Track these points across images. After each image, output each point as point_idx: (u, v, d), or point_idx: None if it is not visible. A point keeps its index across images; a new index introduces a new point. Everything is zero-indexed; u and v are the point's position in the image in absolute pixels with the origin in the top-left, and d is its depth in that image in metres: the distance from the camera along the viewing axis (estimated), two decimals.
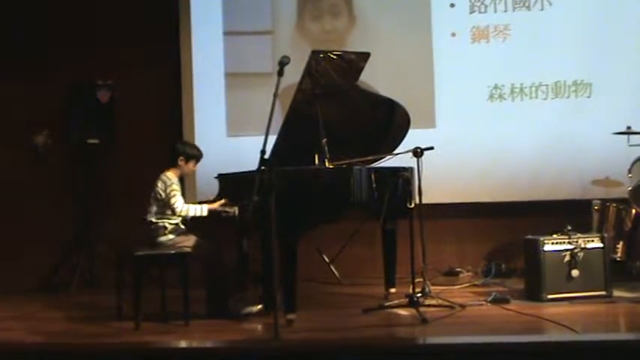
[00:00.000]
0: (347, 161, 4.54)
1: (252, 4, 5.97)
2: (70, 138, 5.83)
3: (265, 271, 4.72)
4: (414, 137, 4.84)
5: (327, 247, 5.79)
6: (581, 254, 4.69)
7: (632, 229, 4.98)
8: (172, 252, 4.50)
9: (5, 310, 5.03)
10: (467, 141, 5.72)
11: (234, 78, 5.95)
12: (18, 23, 6.04)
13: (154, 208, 4.59)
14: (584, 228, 4.95)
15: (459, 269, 5.62)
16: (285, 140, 4.55)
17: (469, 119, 5.77)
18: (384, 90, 5.14)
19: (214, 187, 4.92)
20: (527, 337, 3.99)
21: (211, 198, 4.81)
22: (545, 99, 5.77)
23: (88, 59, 5.92)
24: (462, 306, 4.56)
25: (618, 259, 5.00)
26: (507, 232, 5.59)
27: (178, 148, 4.70)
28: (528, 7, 5.78)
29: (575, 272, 4.67)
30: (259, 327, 4.35)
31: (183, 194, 4.68)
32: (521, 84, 5.78)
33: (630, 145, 5.15)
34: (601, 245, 4.74)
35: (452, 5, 5.83)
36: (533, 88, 5.77)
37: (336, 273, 5.77)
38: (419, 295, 4.52)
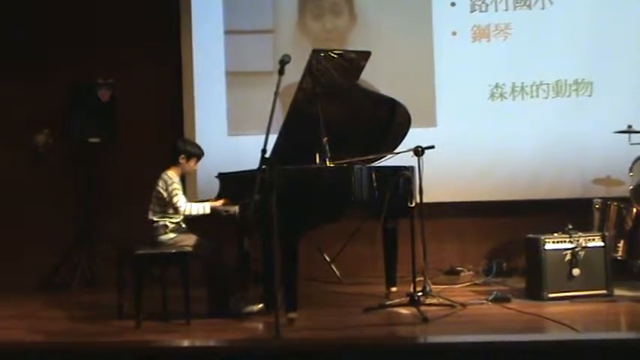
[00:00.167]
0: (348, 160, 4.54)
1: (253, 2, 5.97)
2: (71, 137, 5.83)
3: (266, 270, 4.72)
4: (414, 136, 4.83)
5: (328, 246, 5.79)
6: (582, 253, 4.69)
7: (633, 228, 4.98)
8: (173, 251, 4.50)
9: (6, 309, 5.03)
10: (468, 140, 5.72)
11: (234, 77, 5.95)
12: (18, 22, 6.04)
13: (155, 207, 4.59)
14: (585, 227, 4.95)
15: (459, 268, 5.61)
16: (285, 139, 4.54)
17: (470, 118, 5.77)
18: (385, 89, 5.14)
19: (215, 186, 4.91)
20: (528, 336, 3.99)
21: (212, 198, 4.81)
22: (546, 98, 5.77)
23: (88, 58, 5.92)
24: (463, 305, 4.56)
25: (619, 258, 4.99)
26: (508, 231, 5.59)
27: (179, 146, 4.70)
28: (529, 6, 5.78)
29: (576, 271, 4.66)
30: (260, 326, 4.35)
31: (184, 193, 4.67)
32: (522, 83, 5.77)
33: (631, 144, 5.15)
34: (602, 244, 4.74)
35: (453, 4, 5.83)
36: (534, 87, 5.77)
37: (336, 272, 5.77)
38: (420, 294, 4.51)
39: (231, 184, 4.78)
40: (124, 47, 5.94)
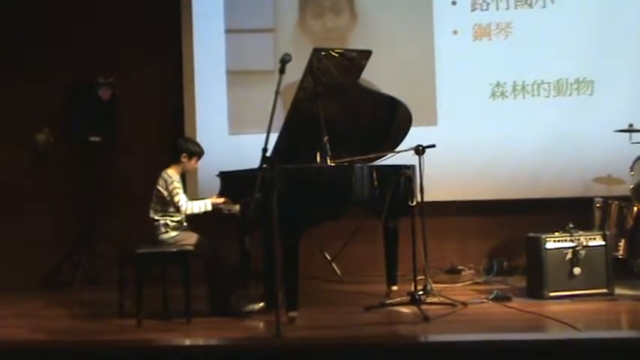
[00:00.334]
0: (349, 159, 4.54)
1: (253, 1, 5.96)
2: (72, 136, 5.83)
3: (267, 268, 4.73)
4: (415, 135, 4.83)
5: (329, 245, 5.79)
6: (583, 252, 4.68)
7: (634, 227, 4.97)
8: (174, 250, 4.50)
9: (7, 307, 5.03)
10: (469, 139, 5.71)
11: (235, 76, 5.95)
12: (18, 21, 6.03)
13: (156, 206, 4.58)
14: (586, 226, 4.95)
15: (460, 267, 5.61)
16: (286, 138, 4.54)
17: (471, 117, 5.76)
18: (386, 88, 5.13)
19: (216, 185, 4.91)
20: (529, 334, 3.98)
21: (214, 194, 4.80)
22: (547, 97, 5.76)
23: (89, 57, 5.92)
24: (464, 304, 4.56)
25: (620, 256, 4.99)
26: (509, 229, 5.58)
27: (181, 145, 4.70)
28: (530, 5, 5.77)
29: (577, 270, 4.66)
30: (261, 325, 4.34)
31: (185, 192, 4.67)
32: (523, 82, 5.77)
33: (632, 143, 5.15)
34: (603, 243, 4.73)
35: (453, 3, 5.83)
36: (535, 86, 5.77)
37: (337, 271, 5.77)
38: (421, 292, 4.51)
39: (232, 183, 4.77)
40: (125, 46, 5.94)
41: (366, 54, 4.67)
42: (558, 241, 4.70)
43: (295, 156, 4.47)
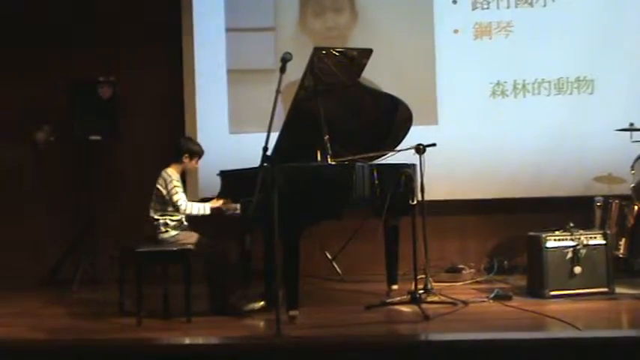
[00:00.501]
0: (349, 158, 4.53)
1: (254, 0, 5.95)
2: (72, 135, 5.82)
3: (267, 267, 4.72)
4: (416, 134, 4.83)
5: (330, 244, 5.78)
6: (583, 251, 4.68)
7: (635, 226, 4.97)
8: (174, 249, 4.49)
9: (7, 306, 5.02)
10: (469, 137, 5.70)
11: (236, 75, 5.94)
12: (19, 19, 6.03)
13: (156, 205, 4.58)
14: (587, 225, 4.95)
15: (461, 266, 5.61)
16: (287, 137, 4.53)
17: (471, 116, 5.76)
18: (387, 87, 5.13)
19: (216, 184, 4.90)
20: (530, 334, 3.97)
21: (213, 197, 4.80)
22: (547, 95, 5.76)
23: (89, 56, 5.91)
24: (465, 303, 4.55)
25: (621, 255, 4.99)
26: (510, 228, 5.58)
27: (183, 145, 4.69)
28: (531, 4, 5.77)
29: (577, 269, 4.65)
30: (261, 324, 4.34)
31: (185, 191, 4.66)
32: (524, 80, 5.76)
33: (633, 142, 5.15)
34: (603, 242, 4.72)
35: (454, 2, 5.82)
36: (536, 85, 5.76)
37: (338, 269, 5.76)
38: (421, 291, 4.51)
39: (233, 182, 4.77)
40: (125, 45, 5.93)
41: (367, 53, 4.66)
42: (559, 240, 4.69)
43: (296, 155, 4.47)
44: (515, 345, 3.59)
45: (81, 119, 5.77)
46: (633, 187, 5.03)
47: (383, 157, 4.84)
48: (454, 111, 5.77)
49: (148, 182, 4.63)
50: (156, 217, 4.57)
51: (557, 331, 4.03)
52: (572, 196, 5.54)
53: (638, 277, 4.95)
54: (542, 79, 5.75)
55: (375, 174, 4.46)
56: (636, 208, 4.97)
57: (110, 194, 5.95)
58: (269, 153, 3.97)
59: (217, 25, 5.94)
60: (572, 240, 4.69)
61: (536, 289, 4.73)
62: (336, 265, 5.78)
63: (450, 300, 4.56)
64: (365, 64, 4.69)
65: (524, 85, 5.78)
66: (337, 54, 4.58)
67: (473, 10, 5.82)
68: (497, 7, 5.80)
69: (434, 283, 4.77)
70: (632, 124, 5.14)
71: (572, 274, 4.66)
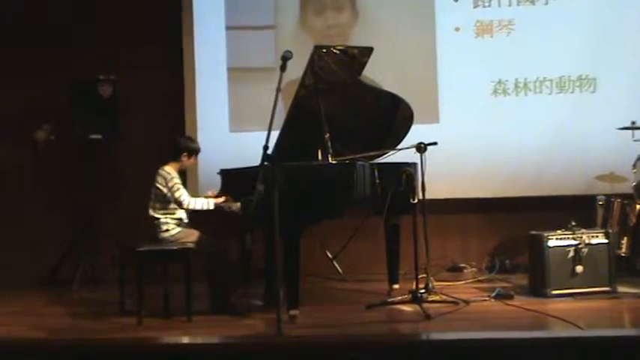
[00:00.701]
0: (350, 157, 4.52)
1: None
2: (72, 134, 5.80)
3: (268, 266, 4.71)
4: (417, 132, 4.82)
5: (330, 243, 5.77)
6: (585, 250, 4.66)
7: (637, 225, 4.96)
8: (175, 248, 4.48)
9: (7, 305, 5.01)
10: (470, 136, 5.69)
11: (236, 73, 5.93)
12: (19, 19, 6.01)
13: (156, 204, 4.57)
14: (589, 223, 4.94)
15: (462, 265, 5.61)
16: (287, 136, 4.53)
17: (473, 114, 5.74)
18: (388, 85, 5.12)
19: (216, 182, 4.90)
20: (531, 333, 3.96)
21: (213, 191, 4.78)
22: (549, 94, 5.74)
23: (89, 54, 5.90)
24: (466, 302, 4.54)
25: (623, 254, 4.98)
26: (511, 227, 5.57)
27: (182, 144, 4.68)
28: (532, 2, 5.76)
29: (579, 268, 4.64)
30: (262, 323, 4.32)
31: (185, 189, 4.65)
32: (525, 79, 5.75)
33: (635, 140, 5.13)
34: (605, 241, 4.71)
35: (455, 0, 5.80)
36: (538, 83, 5.74)
37: (339, 269, 5.75)
38: (422, 291, 4.50)
39: (233, 180, 4.76)
40: (126, 43, 5.92)
41: (368, 51, 4.65)
42: (561, 239, 4.68)
43: (296, 153, 4.46)
44: (517, 344, 3.58)
45: (81, 118, 5.76)
46: (635, 185, 5.01)
47: (384, 156, 4.83)
48: (455, 109, 5.76)
49: (148, 181, 4.62)
50: (156, 216, 4.56)
51: (558, 331, 4.02)
52: (574, 194, 5.53)
53: None
54: (544, 78, 5.73)
55: (376, 173, 4.46)
56: (638, 206, 4.96)
57: (110, 193, 5.95)
58: (270, 152, 3.97)
59: (217, 24, 5.93)
60: (574, 239, 4.68)
61: (537, 288, 4.71)
62: (336, 265, 5.77)
63: (451, 299, 4.55)
64: (366, 63, 4.68)
65: (525, 84, 5.76)
66: (338, 52, 4.56)
67: (474, 8, 5.80)
68: (499, 5, 5.78)
69: (435, 283, 4.76)
70: (634, 123, 5.12)
71: (573, 273, 4.64)
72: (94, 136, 5.78)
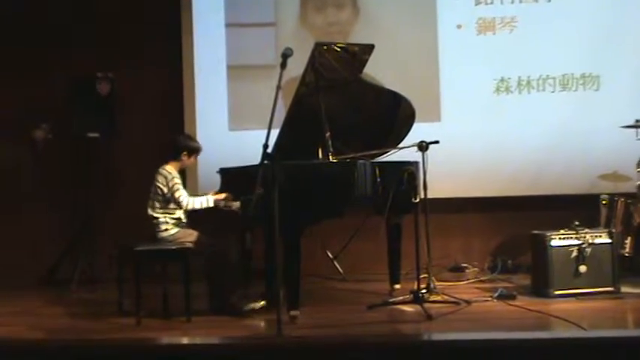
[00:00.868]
0: (351, 155, 4.49)
1: None
2: (70, 132, 5.78)
3: (268, 266, 4.69)
4: (418, 131, 4.78)
5: (331, 243, 5.75)
6: (588, 250, 4.63)
7: None
8: (174, 247, 4.46)
9: (5, 305, 4.99)
10: (472, 135, 5.67)
11: (236, 70, 5.90)
12: (19, 18, 5.98)
13: (155, 203, 4.55)
14: (592, 223, 4.91)
15: (464, 265, 5.60)
16: (288, 134, 4.51)
17: (475, 112, 5.72)
18: (389, 83, 5.08)
19: (216, 181, 4.87)
20: (534, 333, 3.95)
21: (214, 190, 4.75)
22: (552, 92, 5.71)
23: (89, 54, 5.88)
24: (468, 302, 4.52)
25: (626, 254, 4.96)
26: (514, 227, 5.54)
27: (181, 143, 4.65)
28: None
29: (582, 268, 4.61)
30: (262, 323, 4.31)
31: (185, 188, 4.62)
32: (528, 77, 5.72)
33: (638, 139, 5.09)
34: (609, 240, 4.67)
35: None
36: (541, 81, 5.71)
37: (339, 269, 5.72)
38: (424, 291, 4.49)
39: (233, 179, 4.73)
40: (124, 41, 5.90)
41: (369, 48, 4.63)
42: (564, 238, 4.65)
43: (297, 152, 4.43)
44: (519, 345, 3.55)
45: (79, 116, 5.73)
46: (639, 184, 4.97)
47: (385, 155, 4.80)
48: (457, 108, 5.73)
49: (147, 180, 4.60)
50: (155, 215, 4.53)
51: (561, 331, 4.00)
52: (577, 194, 5.50)
53: None
54: (547, 76, 5.70)
55: (377, 172, 4.43)
56: None
57: (109, 192, 5.92)
58: (269, 150, 3.94)
59: (217, 21, 5.90)
60: (577, 238, 4.65)
61: (540, 288, 4.68)
62: (337, 264, 5.74)
63: (453, 299, 4.52)
64: (367, 60, 4.65)
65: (528, 82, 5.72)
66: (339, 49, 4.54)
67: (476, 5, 5.77)
68: (501, 2, 5.75)
69: (437, 283, 4.73)
70: (637, 121, 5.09)
71: (577, 273, 4.61)
72: (91, 135, 5.75)
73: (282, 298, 3.99)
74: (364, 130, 4.76)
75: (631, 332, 4.06)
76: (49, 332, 4.30)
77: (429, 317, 4.19)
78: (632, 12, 5.62)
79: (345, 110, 4.70)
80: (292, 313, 4.22)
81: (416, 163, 4.62)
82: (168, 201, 4.52)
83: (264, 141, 3.90)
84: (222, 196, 4.57)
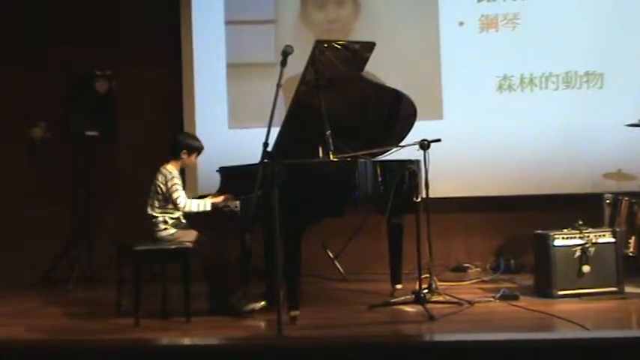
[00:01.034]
0: (352, 154, 4.46)
1: None
2: (69, 130, 5.75)
3: (268, 266, 4.66)
4: (420, 129, 4.75)
5: (332, 243, 5.72)
6: (592, 249, 4.59)
7: None
8: (173, 247, 4.43)
9: (3, 305, 4.98)
10: (475, 133, 5.64)
11: (235, 68, 5.87)
12: (19, 17, 5.95)
13: (154, 202, 4.52)
14: (596, 222, 4.87)
15: (467, 265, 5.58)
16: (288, 132, 4.49)
17: (477, 110, 5.69)
18: (390, 81, 5.05)
19: (216, 180, 4.84)
20: (537, 334, 3.91)
21: (213, 193, 4.72)
22: (555, 90, 5.68)
23: (86, 50, 5.85)
24: (470, 302, 4.49)
25: (630, 254, 4.92)
26: (516, 226, 5.52)
27: (181, 141, 4.62)
28: None
29: (586, 268, 4.57)
30: (262, 324, 4.30)
31: (185, 188, 4.60)
32: (531, 74, 5.68)
33: None
34: (613, 240, 4.63)
35: None
36: (544, 79, 5.68)
37: (340, 269, 5.69)
38: (425, 291, 4.46)
39: (233, 178, 4.71)
40: (123, 38, 5.89)
41: (370, 46, 4.60)
42: (567, 238, 4.61)
43: (297, 151, 4.40)
44: (522, 346, 3.51)
45: (77, 115, 5.71)
46: None
47: (386, 153, 4.76)
48: (459, 105, 5.70)
49: (146, 179, 4.58)
50: (154, 214, 4.50)
51: (565, 332, 3.98)
52: (581, 193, 5.46)
53: None
54: (550, 73, 5.66)
55: (379, 170, 4.41)
56: None
57: (107, 191, 5.91)
58: (269, 149, 3.91)
59: (216, 18, 5.88)
60: (580, 238, 4.61)
61: (543, 288, 4.65)
62: (338, 264, 5.71)
63: (455, 300, 4.50)
64: (368, 58, 4.62)
65: (531, 79, 5.69)
66: (339, 47, 4.51)
67: (478, 2, 5.74)
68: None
69: (439, 283, 4.70)
70: None
71: (580, 273, 4.57)
72: (90, 133, 5.73)
73: (282, 298, 3.95)
74: (365, 129, 4.73)
75: (635, 333, 4.03)
76: (47, 333, 4.28)
77: (430, 318, 4.16)
78: (636, 8, 5.58)
79: (346, 108, 4.67)
80: (292, 313, 4.19)
81: (417, 162, 4.59)
82: (168, 200, 4.48)
83: (264, 139, 3.88)
84: (221, 198, 4.53)
